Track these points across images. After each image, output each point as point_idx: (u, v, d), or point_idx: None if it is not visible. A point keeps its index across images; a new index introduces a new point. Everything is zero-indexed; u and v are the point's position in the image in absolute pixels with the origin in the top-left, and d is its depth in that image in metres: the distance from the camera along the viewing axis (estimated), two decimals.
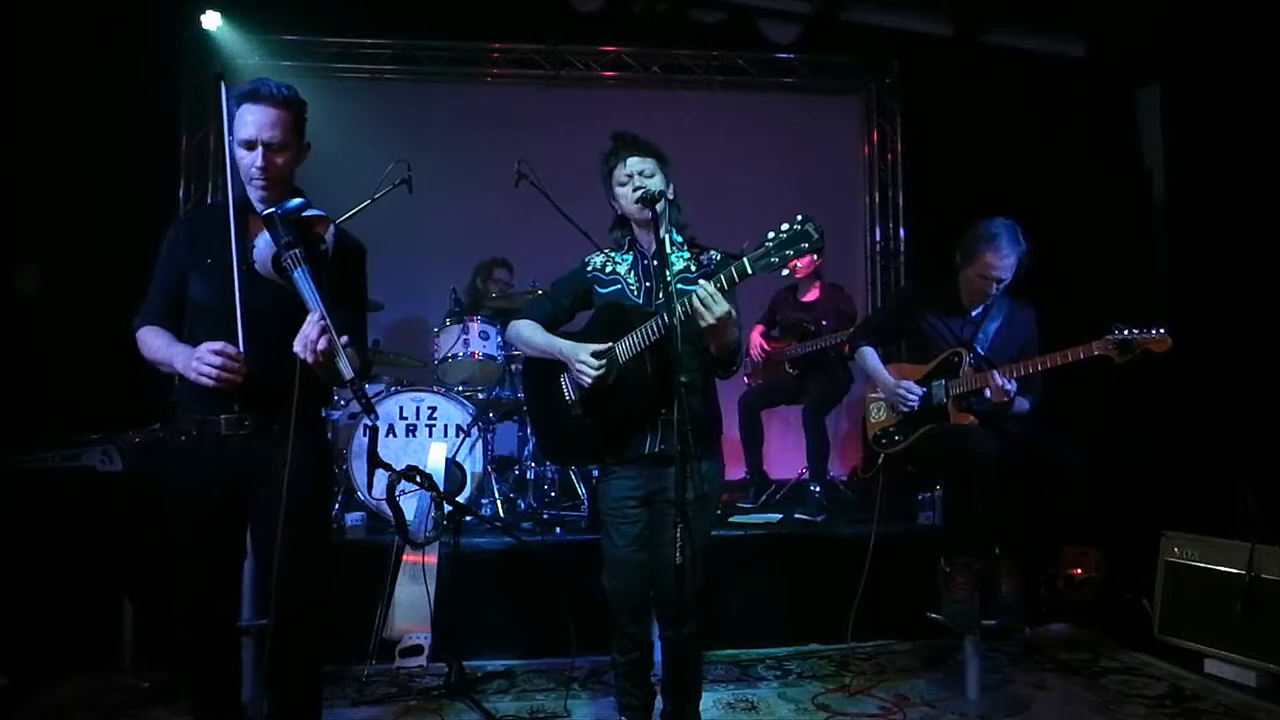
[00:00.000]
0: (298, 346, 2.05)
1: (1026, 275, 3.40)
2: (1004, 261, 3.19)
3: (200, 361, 2.10)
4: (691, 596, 2.42)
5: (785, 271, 2.30)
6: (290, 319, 2.11)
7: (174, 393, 2.31)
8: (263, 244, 2.15)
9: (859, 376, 3.79)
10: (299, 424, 2.15)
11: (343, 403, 4.62)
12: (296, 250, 2.09)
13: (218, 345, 2.11)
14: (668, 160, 2.60)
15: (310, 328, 2.04)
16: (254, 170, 2.23)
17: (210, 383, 2.11)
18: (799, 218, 2.22)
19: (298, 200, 2.22)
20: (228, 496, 2.27)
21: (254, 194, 2.28)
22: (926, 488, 4.30)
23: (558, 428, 2.72)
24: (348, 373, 2.06)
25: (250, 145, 2.22)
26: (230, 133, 2.26)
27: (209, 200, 5.17)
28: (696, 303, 2.27)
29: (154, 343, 2.26)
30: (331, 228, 2.26)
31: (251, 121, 2.21)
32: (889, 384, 3.41)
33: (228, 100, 2.25)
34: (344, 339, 2.08)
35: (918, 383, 3.37)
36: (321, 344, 2.03)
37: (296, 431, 2.14)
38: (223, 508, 2.27)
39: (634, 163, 2.54)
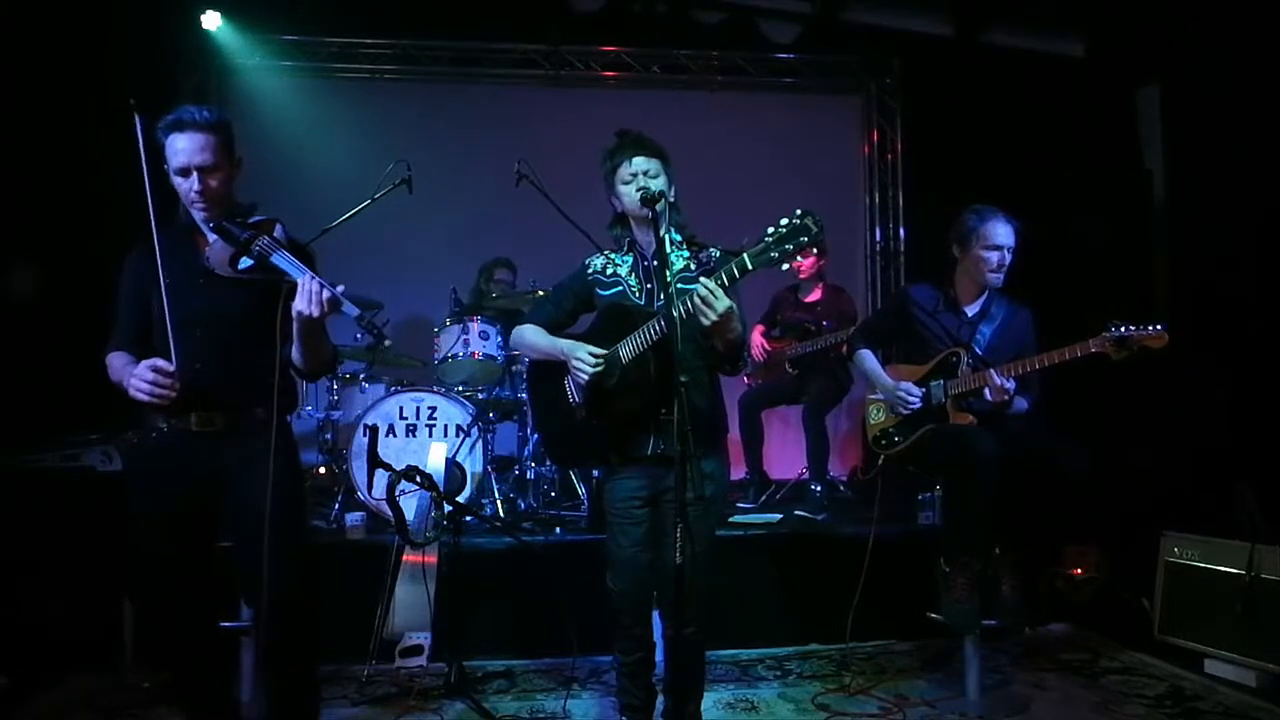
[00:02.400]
0: (301, 305, 2.14)
1: (1026, 275, 3.40)
2: (1003, 228, 3.23)
3: (138, 379, 2.18)
4: (695, 597, 2.43)
5: (786, 267, 2.30)
6: (248, 323, 2.26)
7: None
8: (217, 249, 2.25)
9: (859, 378, 3.80)
10: (266, 422, 2.25)
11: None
12: (264, 239, 2.21)
13: (151, 362, 2.19)
14: (671, 161, 2.60)
15: (310, 283, 2.14)
16: (193, 195, 2.32)
17: (145, 398, 2.19)
18: (797, 211, 2.22)
19: (245, 206, 2.38)
20: (195, 495, 2.32)
21: (197, 216, 2.36)
22: (926, 488, 4.30)
23: (563, 430, 2.72)
24: (354, 311, 2.17)
25: (185, 172, 2.32)
26: (165, 163, 2.35)
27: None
28: (698, 300, 2.27)
29: (115, 365, 2.35)
30: (280, 226, 2.35)
31: (182, 150, 2.31)
32: (888, 386, 3.41)
33: (143, 129, 2.31)
34: (340, 287, 2.18)
35: (916, 383, 3.37)
36: (326, 294, 2.14)
37: (265, 429, 2.23)
38: (189, 506, 2.32)
39: (639, 162, 2.54)
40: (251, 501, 2.19)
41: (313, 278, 2.16)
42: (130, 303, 2.41)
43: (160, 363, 2.19)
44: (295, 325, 2.20)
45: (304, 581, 2.37)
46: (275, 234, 2.29)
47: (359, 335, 2.08)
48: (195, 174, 2.30)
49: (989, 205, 3.30)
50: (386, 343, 2.28)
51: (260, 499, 2.17)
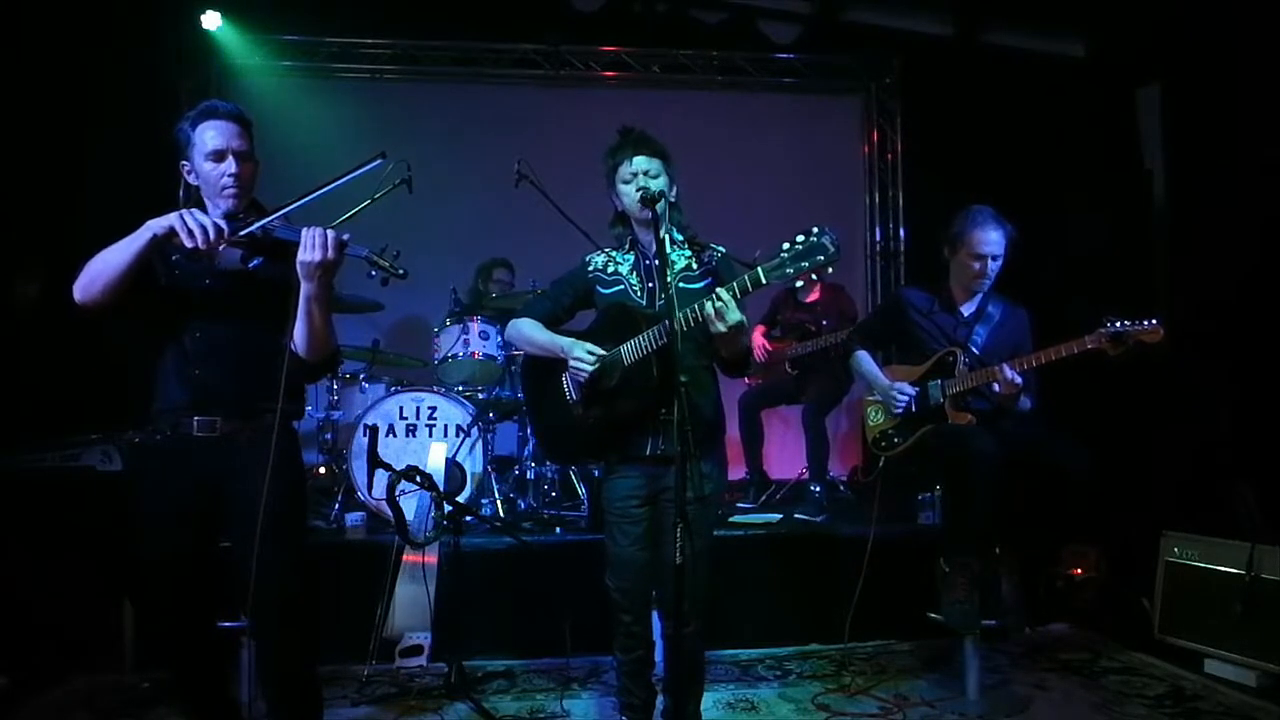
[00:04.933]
0: (307, 255, 2.12)
1: (1026, 274, 3.39)
2: (991, 235, 3.21)
3: (185, 211, 2.12)
4: (695, 596, 2.42)
5: (800, 284, 2.30)
6: (255, 326, 2.25)
7: (156, 399, 2.35)
8: (227, 252, 2.22)
9: (857, 379, 3.81)
10: (269, 427, 2.21)
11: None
12: (260, 220, 2.20)
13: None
14: (673, 161, 2.60)
15: (312, 230, 2.13)
16: (227, 179, 2.28)
17: (177, 223, 2.10)
18: (815, 230, 2.21)
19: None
20: (196, 497, 2.30)
21: (225, 205, 2.30)
22: (926, 488, 4.30)
23: (559, 427, 2.71)
24: (361, 251, 2.18)
25: (220, 155, 2.28)
26: (188, 159, 2.31)
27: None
28: (710, 311, 2.28)
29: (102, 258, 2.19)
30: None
31: (216, 134, 2.27)
32: (883, 386, 3.42)
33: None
34: (346, 234, 2.18)
35: (914, 383, 3.37)
36: (331, 237, 2.13)
37: (267, 434, 2.20)
38: (193, 509, 2.30)
39: (640, 162, 2.53)
40: (251, 505, 2.18)
41: (312, 228, 2.13)
42: None
43: (220, 222, 2.13)
44: (301, 293, 2.16)
45: (303, 585, 2.35)
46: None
47: (372, 274, 2.06)
48: (232, 157, 2.27)
49: (984, 207, 3.27)
50: (401, 273, 2.25)
51: (259, 503, 2.16)
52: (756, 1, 6.15)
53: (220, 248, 2.17)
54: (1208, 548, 3.70)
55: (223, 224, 2.15)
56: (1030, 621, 3.98)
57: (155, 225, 2.13)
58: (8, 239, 4.53)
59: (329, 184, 2.32)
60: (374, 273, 2.24)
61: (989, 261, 3.24)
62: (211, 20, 5.57)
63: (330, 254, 2.12)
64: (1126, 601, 4.06)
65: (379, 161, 2.38)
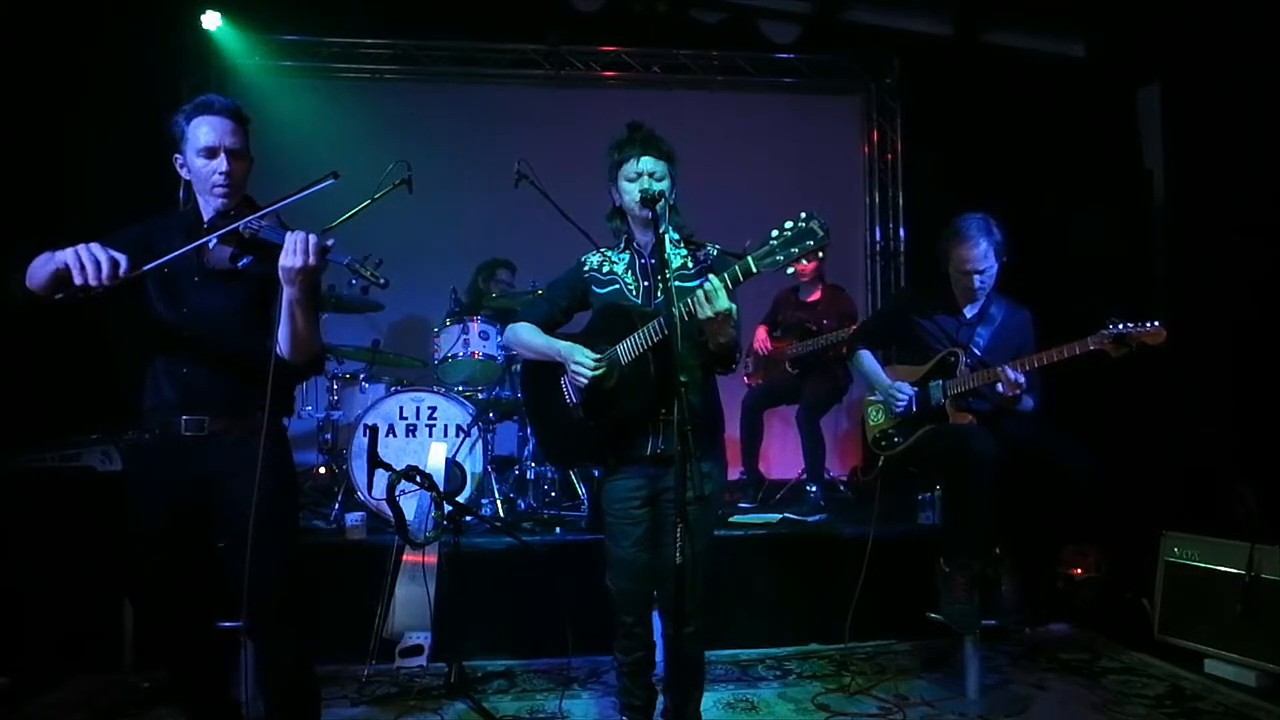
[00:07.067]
0: (288, 260, 2.09)
1: (1027, 274, 3.40)
2: (975, 252, 3.21)
3: (80, 247, 2.01)
4: (695, 596, 2.42)
5: (790, 270, 2.28)
6: (243, 323, 2.26)
7: (146, 398, 2.34)
8: (217, 250, 2.21)
9: (858, 378, 3.82)
10: (257, 426, 2.22)
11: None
12: (249, 218, 2.18)
13: (108, 251, 2.03)
14: (677, 163, 2.59)
15: (296, 235, 2.10)
16: (218, 176, 2.28)
17: (71, 261, 2.00)
18: (803, 215, 2.20)
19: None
20: (188, 497, 2.30)
21: (215, 203, 2.31)
22: (926, 488, 4.30)
23: (560, 430, 2.71)
24: (343, 259, 2.14)
25: (212, 153, 2.27)
26: (181, 153, 2.31)
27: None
28: (701, 296, 2.27)
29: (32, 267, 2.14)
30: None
31: (210, 131, 2.27)
32: (884, 385, 3.42)
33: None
34: (330, 240, 2.15)
35: (915, 383, 3.37)
36: (313, 241, 2.10)
37: (256, 434, 2.21)
38: (183, 508, 2.30)
39: (647, 163, 2.52)
40: (243, 505, 2.17)
41: (295, 233, 2.11)
42: None
43: (119, 256, 2.02)
44: (284, 296, 2.15)
45: (297, 584, 2.35)
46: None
47: (353, 281, 2.03)
48: (223, 154, 2.27)
49: (971, 218, 3.25)
50: (382, 282, 2.24)
51: (250, 502, 2.15)
52: (756, 1, 6.15)
53: (113, 286, 2.04)
54: (1208, 548, 3.70)
55: (120, 259, 2.02)
56: (1030, 621, 3.98)
57: (61, 257, 2.02)
58: (6, 238, 4.52)
59: (282, 200, 2.25)
60: (355, 281, 2.22)
61: (973, 277, 3.25)
62: (211, 20, 5.57)
63: (311, 260, 2.10)
64: (1126, 601, 4.06)
65: (330, 181, 2.34)
